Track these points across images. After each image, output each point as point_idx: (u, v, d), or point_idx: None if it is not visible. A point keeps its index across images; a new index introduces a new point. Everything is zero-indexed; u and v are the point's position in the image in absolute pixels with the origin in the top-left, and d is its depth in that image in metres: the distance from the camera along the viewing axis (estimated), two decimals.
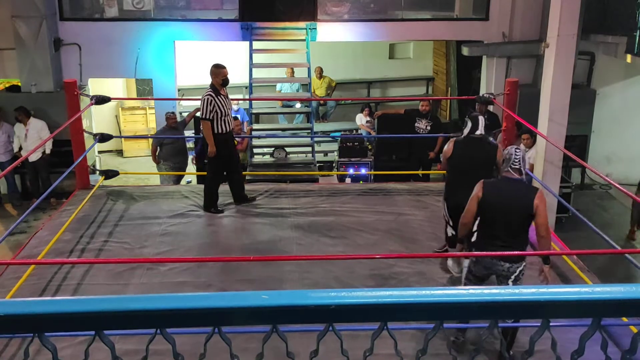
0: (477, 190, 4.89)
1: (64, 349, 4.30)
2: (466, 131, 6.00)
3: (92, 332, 1.43)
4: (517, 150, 4.88)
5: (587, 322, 1.48)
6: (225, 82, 7.52)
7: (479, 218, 4.97)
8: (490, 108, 11.42)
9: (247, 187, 8.48)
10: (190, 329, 1.63)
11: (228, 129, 7.53)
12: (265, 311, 1.40)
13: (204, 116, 7.40)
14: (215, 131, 7.41)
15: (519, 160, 4.82)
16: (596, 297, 1.39)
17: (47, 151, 11.12)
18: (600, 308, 1.41)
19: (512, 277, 4.85)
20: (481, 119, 5.99)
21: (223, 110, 7.41)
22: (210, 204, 7.67)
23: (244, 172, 10.75)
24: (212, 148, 7.42)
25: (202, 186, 8.16)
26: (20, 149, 11.29)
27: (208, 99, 7.34)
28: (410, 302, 1.39)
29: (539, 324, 1.49)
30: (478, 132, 5.95)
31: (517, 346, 4.85)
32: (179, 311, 1.36)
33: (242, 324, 1.46)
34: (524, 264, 4.88)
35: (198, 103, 12.00)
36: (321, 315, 1.39)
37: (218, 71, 7.50)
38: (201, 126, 7.58)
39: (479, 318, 1.43)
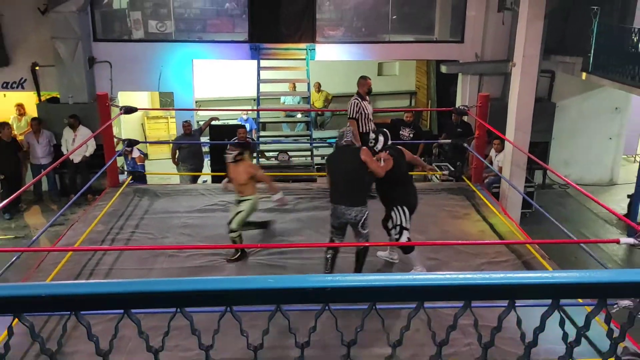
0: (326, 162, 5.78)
1: (94, 325, 4.29)
2: (379, 146, 5.81)
3: (121, 311, 1.42)
4: (347, 129, 5.77)
5: (548, 302, 1.48)
6: (369, 91, 7.62)
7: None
8: (465, 118, 11.46)
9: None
10: (206, 308, 1.63)
11: (366, 130, 7.56)
12: (270, 293, 1.40)
13: (351, 116, 7.53)
14: (360, 130, 7.52)
15: (350, 136, 5.61)
16: (556, 281, 1.39)
17: (87, 154, 11.18)
18: (559, 290, 1.42)
19: (360, 223, 5.50)
20: (382, 136, 5.83)
21: (365, 113, 7.51)
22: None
23: None
24: (358, 143, 7.44)
25: (216, 185, 8.13)
26: (59, 146, 11.35)
27: (355, 102, 7.51)
28: (395, 285, 1.39)
29: (506, 304, 1.49)
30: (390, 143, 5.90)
31: (486, 322, 4.85)
32: (196, 292, 1.36)
33: (250, 304, 1.46)
34: (366, 211, 5.52)
35: (213, 113, 12.09)
36: (319, 297, 1.39)
37: (364, 82, 7.65)
38: (348, 124, 7.57)
39: (455, 299, 1.43)
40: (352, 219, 5.49)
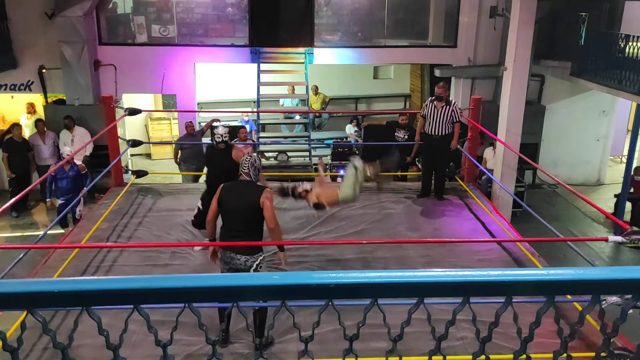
0: (217, 191, 4.73)
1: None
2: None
3: (131, 306, 1.42)
4: (247, 158, 4.73)
5: (543, 299, 1.48)
6: (436, 97, 7.64)
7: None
8: None
9: None
10: (213, 304, 1.62)
11: (431, 132, 7.64)
12: (276, 289, 1.39)
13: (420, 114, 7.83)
14: (423, 129, 7.71)
15: (247, 166, 4.68)
16: (551, 278, 1.39)
17: (87, 153, 11.09)
18: (554, 287, 1.42)
19: (251, 270, 4.56)
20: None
21: (429, 115, 7.63)
22: (423, 194, 7.95)
23: None
24: (417, 137, 7.84)
25: None
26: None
27: (426, 102, 7.76)
28: (397, 281, 1.39)
29: (498, 300, 1.49)
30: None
31: (483, 318, 4.85)
32: (205, 289, 1.36)
33: (256, 300, 1.46)
34: (260, 257, 4.61)
35: (214, 115, 12.07)
36: (323, 293, 1.39)
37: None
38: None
39: (454, 296, 1.43)
40: (242, 264, 4.55)
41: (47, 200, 8.92)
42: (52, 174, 8.40)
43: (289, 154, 11.94)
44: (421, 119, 7.77)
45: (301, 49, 12.08)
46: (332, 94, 15.44)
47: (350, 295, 1.41)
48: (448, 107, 7.58)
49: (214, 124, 11.10)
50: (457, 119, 7.64)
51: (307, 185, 5.84)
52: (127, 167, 9.77)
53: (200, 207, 6.42)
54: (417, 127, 7.92)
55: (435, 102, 7.59)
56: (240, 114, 13.73)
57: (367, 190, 8.30)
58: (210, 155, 6.41)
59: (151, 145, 14.36)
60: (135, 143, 8.51)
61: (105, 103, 7.97)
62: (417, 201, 7.86)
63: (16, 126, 11.05)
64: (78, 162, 9.14)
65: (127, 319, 1.49)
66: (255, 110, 13.46)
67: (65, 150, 8.69)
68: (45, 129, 11.30)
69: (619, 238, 4.70)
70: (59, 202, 8.77)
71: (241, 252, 4.55)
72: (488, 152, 10.55)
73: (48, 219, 10.80)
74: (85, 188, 8.05)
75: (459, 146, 8.03)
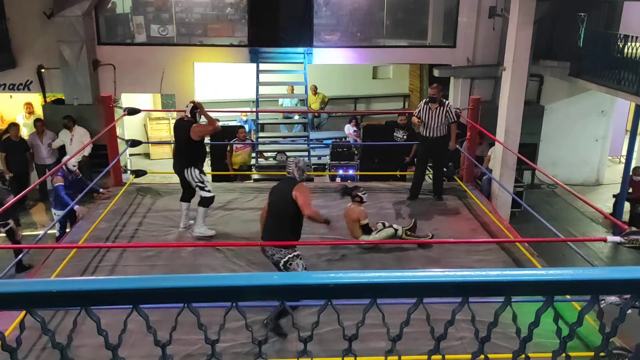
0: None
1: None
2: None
3: (130, 306, 1.42)
4: (290, 159, 5.11)
5: (542, 299, 1.48)
6: (430, 98, 7.60)
7: None
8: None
9: (254, 185, 8.44)
10: (212, 304, 1.62)
11: (428, 134, 7.65)
12: (275, 289, 1.39)
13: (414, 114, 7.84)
14: (422, 131, 7.71)
15: (292, 166, 5.00)
16: (550, 278, 1.39)
17: (86, 154, 11.06)
18: (553, 287, 1.42)
19: (280, 264, 4.80)
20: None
21: (425, 117, 7.60)
22: (413, 192, 7.93)
23: (248, 172, 10.72)
24: (414, 119, 7.86)
25: (215, 184, 8.15)
26: (63, 147, 11.26)
27: (420, 104, 7.75)
28: (396, 281, 1.39)
29: (497, 300, 1.50)
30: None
31: (482, 318, 4.85)
32: (204, 289, 1.36)
33: (256, 300, 1.46)
34: (289, 254, 4.74)
35: (213, 115, 12.05)
36: (322, 293, 1.39)
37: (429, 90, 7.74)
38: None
39: (453, 296, 1.43)
40: (270, 257, 4.83)
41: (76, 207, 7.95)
42: (64, 184, 8.13)
43: (288, 154, 11.91)
44: (414, 118, 7.73)
45: (300, 49, 12.08)
46: (331, 94, 15.44)
47: (350, 295, 1.41)
48: (442, 108, 7.57)
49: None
50: (453, 119, 7.63)
51: (364, 197, 6.55)
52: (126, 166, 9.76)
53: (203, 180, 6.51)
54: (415, 125, 7.93)
55: (429, 104, 7.57)
56: (239, 113, 13.73)
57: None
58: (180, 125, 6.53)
59: (150, 145, 14.35)
60: (134, 143, 8.49)
61: (104, 103, 7.97)
62: (416, 201, 7.86)
63: (13, 126, 11.04)
64: (74, 167, 8.97)
65: (126, 319, 1.49)
66: (254, 110, 13.46)
67: (71, 161, 8.38)
68: (45, 128, 11.30)
69: (617, 238, 4.70)
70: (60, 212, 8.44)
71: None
72: (492, 151, 10.53)
73: (47, 219, 10.78)
74: (83, 191, 7.89)
75: (457, 146, 8.03)
